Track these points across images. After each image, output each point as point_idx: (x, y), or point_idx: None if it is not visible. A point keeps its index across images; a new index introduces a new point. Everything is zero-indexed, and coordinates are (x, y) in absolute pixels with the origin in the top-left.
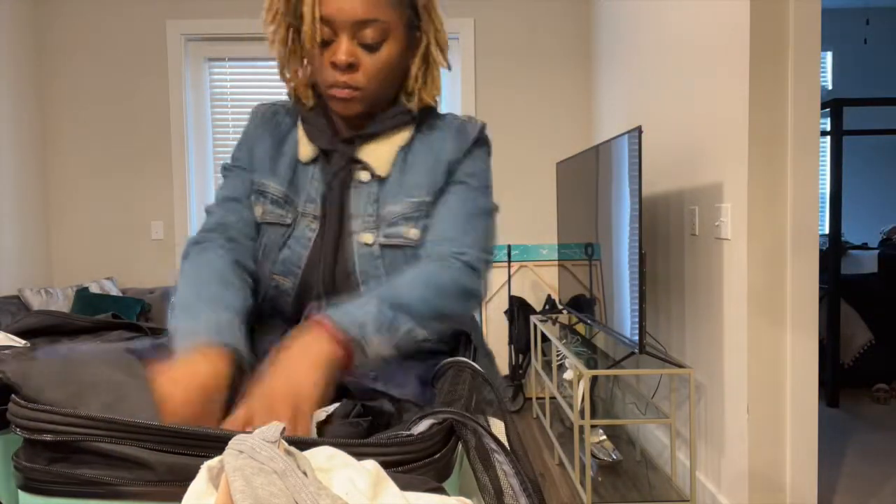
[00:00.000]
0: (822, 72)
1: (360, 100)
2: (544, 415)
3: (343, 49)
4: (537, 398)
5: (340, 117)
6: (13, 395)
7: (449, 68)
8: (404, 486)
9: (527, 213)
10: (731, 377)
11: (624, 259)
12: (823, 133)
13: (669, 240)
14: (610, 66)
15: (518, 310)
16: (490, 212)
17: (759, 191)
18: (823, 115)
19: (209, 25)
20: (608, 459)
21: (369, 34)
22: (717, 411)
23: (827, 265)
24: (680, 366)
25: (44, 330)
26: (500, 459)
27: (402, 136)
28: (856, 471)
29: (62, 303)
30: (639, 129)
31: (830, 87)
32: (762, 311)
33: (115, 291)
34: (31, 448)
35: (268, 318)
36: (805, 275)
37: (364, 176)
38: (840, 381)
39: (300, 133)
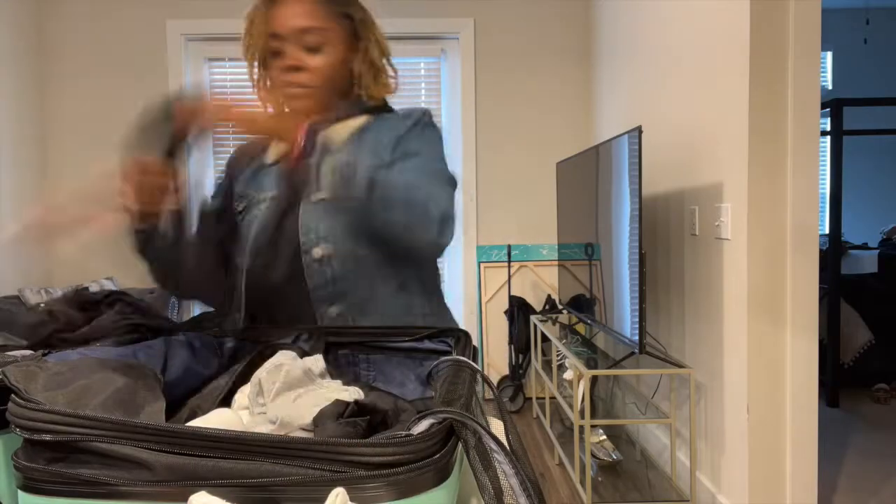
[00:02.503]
0: (822, 72)
1: (310, 96)
2: (544, 415)
3: (290, 54)
4: (537, 398)
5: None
6: (13, 395)
7: (395, 72)
8: (405, 488)
9: (527, 213)
10: (731, 377)
11: (624, 259)
12: (823, 133)
13: (669, 240)
14: (610, 66)
15: (518, 310)
16: (452, 179)
17: (759, 191)
18: (823, 115)
19: (209, 25)
20: (608, 459)
21: (311, 39)
22: (717, 411)
23: (827, 265)
24: (680, 366)
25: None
26: (499, 459)
27: (357, 121)
28: (856, 471)
29: None
30: (639, 129)
31: (830, 87)
32: (762, 311)
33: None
34: (31, 448)
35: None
36: (805, 275)
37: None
38: (840, 381)
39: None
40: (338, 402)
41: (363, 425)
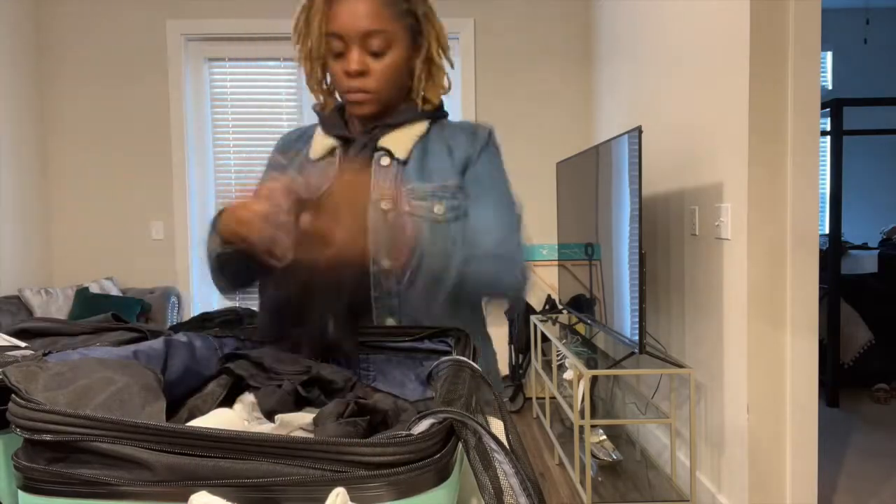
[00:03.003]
0: (822, 72)
1: (373, 101)
2: (544, 415)
3: (354, 59)
4: (537, 398)
5: (357, 118)
6: (13, 395)
7: (452, 66)
8: (405, 487)
9: (527, 213)
10: (731, 377)
11: (624, 259)
12: (823, 133)
13: (669, 240)
14: (610, 66)
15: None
16: (520, 216)
17: (759, 191)
18: (823, 115)
19: (209, 25)
20: (608, 459)
21: (376, 43)
22: (717, 411)
23: (827, 265)
24: (680, 366)
25: (41, 332)
26: (500, 459)
27: (418, 128)
28: (856, 471)
29: (62, 303)
30: (639, 129)
31: (830, 87)
32: (762, 311)
33: (115, 291)
34: (31, 448)
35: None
36: (805, 275)
37: (385, 160)
38: (840, 381)
39: (315, 135)
40: (338, 402)
41: (363, 425)
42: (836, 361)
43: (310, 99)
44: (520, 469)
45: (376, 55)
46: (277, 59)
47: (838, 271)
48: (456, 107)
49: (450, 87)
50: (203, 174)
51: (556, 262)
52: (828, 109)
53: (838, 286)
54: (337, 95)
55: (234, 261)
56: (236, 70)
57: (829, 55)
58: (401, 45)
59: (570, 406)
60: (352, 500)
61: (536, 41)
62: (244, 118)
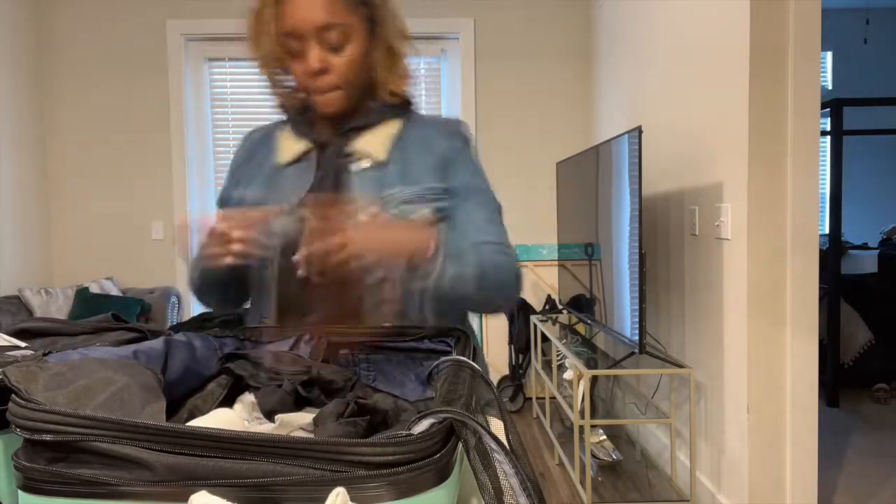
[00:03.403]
0: (822, 72)
1: (340, 99)
2: (544, 415)
3: (314, 56)
4: (537, 398)
5: (326, 118)
6: (13, 395)
7: (413, 54)
8: (405, 487)
9: (527, 213)
10: (731, 377)
11: (624, 259)
12: (823, 133)
13: (669, 240)
14: (610, 66)
15: (518, 310)
16: (500, 210)
17: (759, 191)
18: (823, 115)
19: (209, 25)
20: (608, 459)
21: (333, 37)
22: (717, 411)
23: (827, 265)
24: (680, 366)
25: (41, 332)
26: (499, 459)
27: (391, 127)
28: (856, 471)
29: (62, 303)
30: (639, 129)
31: (830, 87)
32: (762, 311)
33: (115, 291)
34: (31, 448)
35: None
36: (805, 275)
37: (364, 163)
38: (840, 381)
39: (282, 138)
40: (338, 401)
41: (363, 425)
42: (836, 361)
43: None
44: (520, 469)
45: (335, 50)
46: None
47: (838, 271)
48: (456, 107)
49: (411, 78)
50: (203, 174)
51: (556, 262)
52: (828, 109)
53: (838, 286)
54: (298, 95)
55: (217, 283)
56: (236, 70)
57: (829, 55)
58: (359, 36)
59: (570, 406)
60: (352, 499)
61: (536, 41)
62: (244, 118)
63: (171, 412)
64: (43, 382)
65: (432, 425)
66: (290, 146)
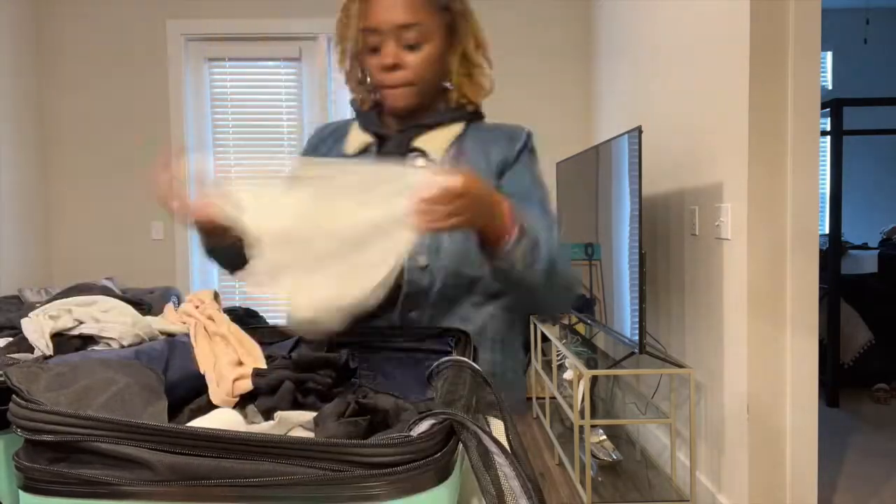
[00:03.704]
0: (822, 72)
1: (408, 95)
2: (544, 415)
3: (388, 52)
4: (537, 398)
5: (393, 115)
6: (13, 396)
7: (490, 66)
8: (406, 487)
9: None
10: (731, 377)
11: (624, 259)
12: (823, 133)
13: (669, 240)
14: (610, 66)
15: None
16: (556, 221)
17: (759, 191)
18: (823, 115)
19: (209, 25)
20: (608, 459)
21: (410, 36)
22: (717, 411)
23: (827, 265)
24: (680, 366)
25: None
26: (500, 461)
27: (454, 129)
28: (856, 471)
29: None
30: (639, 129)
31: (830, 87)
32: (762, 311)
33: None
34: (32, 448)
35: None
36: (805, 275)
37: (419, 161)
38: (840, 381)
39: (351, 131)
40: (338, 401)
41: (364, 425)
42: (836, 361)
43: (309, 99)
44: (520, 471)
45: (411, 48)
46: (277, 59)
47: (838, 271)
48: None
49: (492, 89)
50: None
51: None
52: (828, 109)
53: (838, 286)
54: (373, 94)
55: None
56: (236, 70)
57: (829, 55)
58: (436, 39)
59: (570, 406)
60: (353, 498)
61: (536, 41)
62: (244, 118)
63: (174, 412)
64: (44, 383)
65: (432, 426)
66: (356, 138)
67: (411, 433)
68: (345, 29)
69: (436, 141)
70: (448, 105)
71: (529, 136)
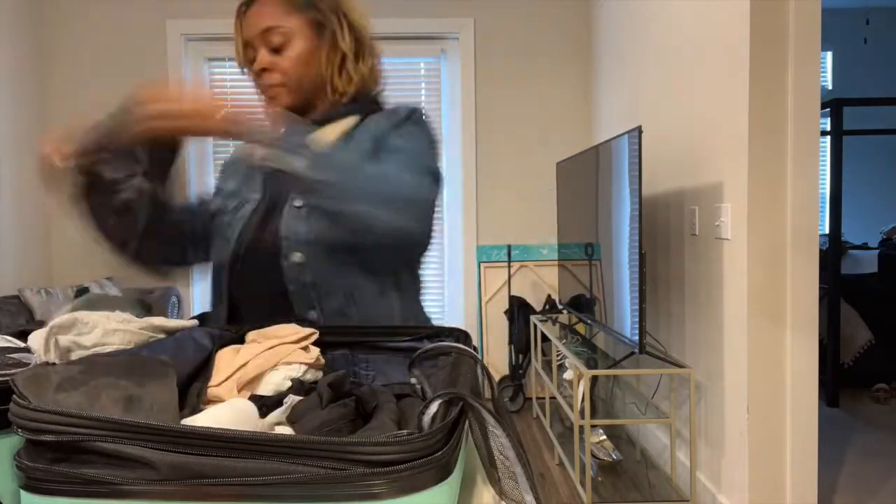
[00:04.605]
0: (822, 72)
1: (283, 94)
2: (544, 415)
3: (258, 58)
4: (537, 398)
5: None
6: (14, 396)
7: (374, 57)
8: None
9: (527, 213)
10: (731, 377)
11: (624, 259)
12: (823, 133)
13: (669, 240)
14: (610, 66)
15: (518, 310)
16: (430, 171)
17: (759, 191)
18: (823, 115)
19: (209, 25)
20: (608, 459)
21: (275, 39)
22: (717, 411)
23: (827, 265)
24: (680, 366)
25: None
26: (496, 433)
27: (345, 123)
28: (856, 471)
29: (62, 303)
30: (639, 129)
31: (830, 87)
32: (762, 311)
33: (115, 291)
34: (34, 448)
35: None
36: (805, 275)
37: None
38: (840, 381)
39: None
40: (312, 395)
41: (352, 405)
42: (836, 361)
43: None
44: (514, 442)
45: (278, 51)
46: None
47: (838, 271)
48: (456, 107)
49: (377, 79)
50: (203, 174)
51: (556, 262)
52: (828, 109)
53: (838, 286)
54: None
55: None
56: (236, 70)
57: (829, 55)
58: (302, 37)
59: (570, 406)
60: (354, 497)
61: (536, 41)
62: None
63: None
64: (53, 386)
65: (439, 406)
66: None
67: (423, 417)
68: (235, 48)
69: (325, 133)
70: (336, 99)
71: (414, 111)
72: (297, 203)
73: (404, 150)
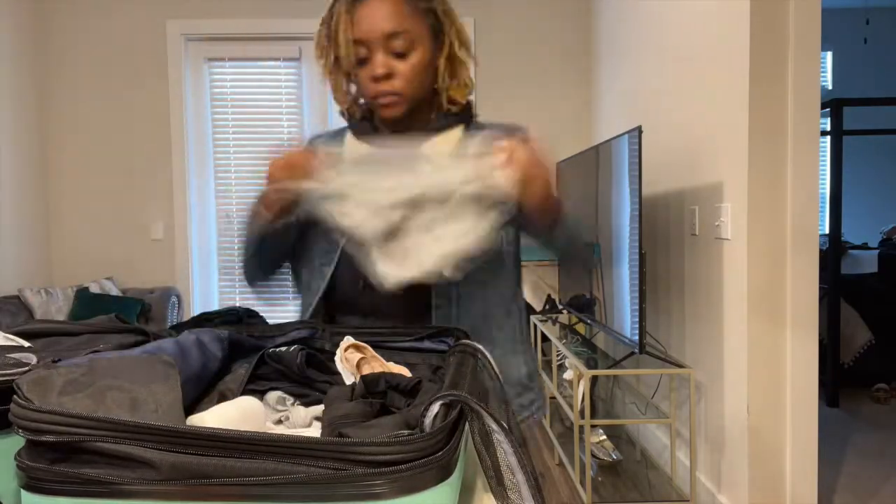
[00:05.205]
0: (822, 72)
1: (401, 103)
2: (544, 415)
3: (379, 62)
4: None
5: (387, 123)
6: (14, 396)
7: (476, 64)
8: (408, 485)
9: None
10: (731, 377)
11: (624, 259)
12: (823, 133)
13: (669, 240)
14: (610, 66)
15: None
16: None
17: (759, 191)
18: (823, 115)
19: (209, 25)
20: (608, 459)
21: (398, 44)
22: (717, 411)
23: (827, 265)
24: (680, 366)
25: (44, 333)
26: (499, 439)
27: (453, 135)
28: (856, 471)
29: (62, 303)
30: (639, 129)
31: (830, 87)
32: (762, 311)
33: (115, 291)
34: (34, 448)
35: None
36: (805, 275)
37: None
38: (840, 381)
39: (347, 141)
40: (343, 387)
41: (377, 406)
42: (836, 361)
43: (309, 99)
44: (516, 448)
45: (400, 56)
46: (277, 59)
47: (838, 271)
48: None
49: (473, 86)
50: (203, 174)
51: (557, 262)
52: (828, 109)
53: (838, 286)
54: (361, 102)
55: (278, 233)
56: (236, 70)
57: (829, 55)
58: (423, 44)
59: (570, 406)
60: (355, 497)
61: (536, 41)
62: (244, 118)
63: (199, 399)
64: (57, 388)
65: (440, 407)
66: (356, 149)
67: (413, 431)
68: (330, 42)
69: (439, 146)
70: (438, 108)
71: (527, 132)
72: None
73: None
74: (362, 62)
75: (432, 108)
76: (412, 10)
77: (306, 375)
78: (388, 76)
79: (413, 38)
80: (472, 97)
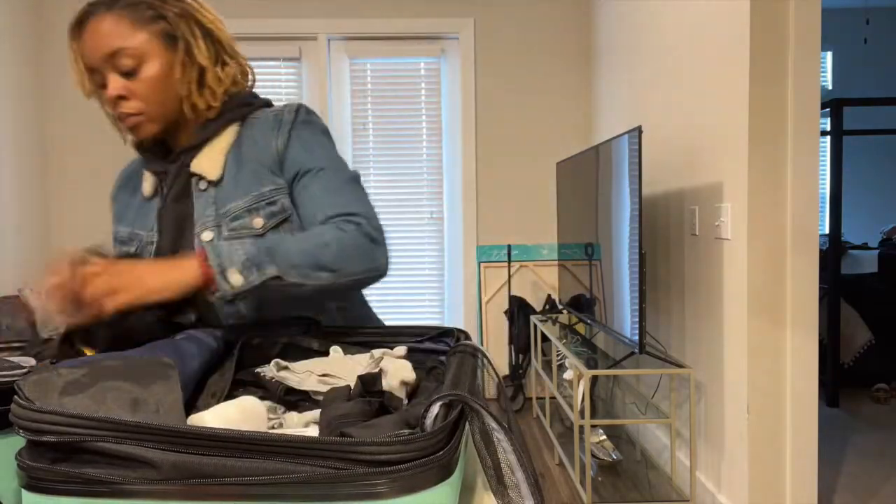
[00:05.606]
0: (822, 72)
1: (147, 122)
2: (544, 415)
3: (110, 85)
4: (537, 398)
5: (158, 145)
6: (14, 397)
7: (235, 58)
8: (409, 484)
9: (527, 213)
10: (731, 377)
11: (624, 259)
12: (823, 133)
13: (669, 240)
14: (610, 66)
15: (518, 310)
16: (356, 178)
17: (759, 191)
18: (823, 115)
19: None
20: (608, 459)
21: (125, 63)
22: (717, 411)
23: (827, 265)
24: (680, 366)
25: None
26: (499, 437)
27: (225, 139)
28: (856, 471)
29: None
30: (639, 129)
31: (830, 87)
32: (762, 311)
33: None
34: (35, 447)
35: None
36: (805, 275)
37: (202, 184)
38: (840, 381)
39: (144, 172)
40: (342, 387)
41: (376, 405)
42: (836, 361)
43: (309, 99)
44: (516, 445)
45: (130, 74)
46: (277, 59)
47: (838, 271)
48: (456, 107)
49: (246, 77)
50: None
51: (556, 262)
52: (828, 109)
53: (838, 286)
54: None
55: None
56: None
57: (829, 55)
58: (155, 55)
59: (570, 406)
60: (355, 496)
61: (536, 41)
62: None
63: (194, 398)
64: (58, 389)
65: (439, 408)
66: (148, 181)
67: (414, 431)
68: (77, 76)
69: (209, 158)
70: (199, 117)
71: (298, 110)
72: (205, 238)
73: (322, 166)
74: (102, 87)
75: (199, 116)
76: (136, 21)
77: (286, 399)
78: (124, 97)
79: (141, 53)
80: (249, 83)
